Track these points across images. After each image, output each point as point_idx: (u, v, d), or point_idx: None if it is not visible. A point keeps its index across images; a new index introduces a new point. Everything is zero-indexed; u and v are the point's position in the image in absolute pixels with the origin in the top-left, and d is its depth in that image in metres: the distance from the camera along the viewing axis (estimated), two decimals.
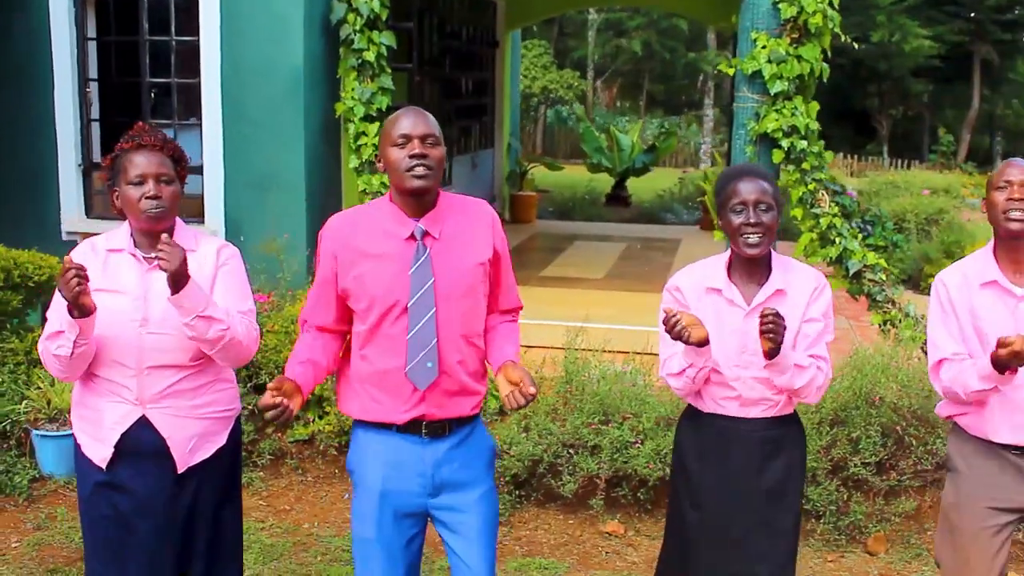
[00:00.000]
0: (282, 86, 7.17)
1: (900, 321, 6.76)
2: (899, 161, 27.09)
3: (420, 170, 2.94)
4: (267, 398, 2.82)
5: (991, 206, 3.24)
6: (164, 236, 2.93)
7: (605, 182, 17.97)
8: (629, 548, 5.06)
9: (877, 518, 5.14)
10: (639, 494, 5.24)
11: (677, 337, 2.96)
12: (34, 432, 5.58)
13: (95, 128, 7.88)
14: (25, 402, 5.68)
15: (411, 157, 2.93)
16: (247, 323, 3.17)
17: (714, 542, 3.28)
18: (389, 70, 7.35)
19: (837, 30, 7.00)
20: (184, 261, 2.92)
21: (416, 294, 2.98)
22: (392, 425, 3.06)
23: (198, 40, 7.29)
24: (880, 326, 6.89)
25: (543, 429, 5.28)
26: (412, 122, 2.97)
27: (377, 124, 7.23)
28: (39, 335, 3.76)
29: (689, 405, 3.38)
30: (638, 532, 5.21)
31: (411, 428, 3.05)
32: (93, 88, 7.78)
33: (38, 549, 4.85)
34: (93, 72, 7.77)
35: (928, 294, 3.50)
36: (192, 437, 3.18)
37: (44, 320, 3.24)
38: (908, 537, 5.14)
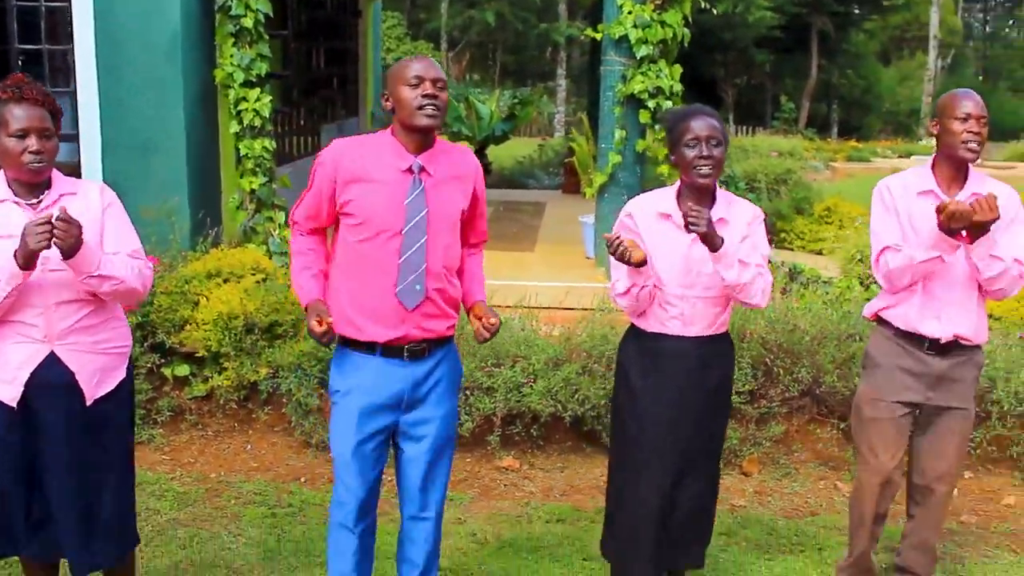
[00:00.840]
0: (159, 51, 7.17)
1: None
2: (744, 128, 28.17)
3: (430, 110, 3.22)
4: (316, 327, 3.17)
5: (947, 133, 3.67)
6: (59, 212, 3.03)
7: None
8: (525, 480, 5.38)
9: (750, 442, 5.59)
10: (532, 431, 5.57)
11: (620, 258, 3.33)
12: None
13: None
14: None
15: (423, 97, 3.20)
16: (139, 265, 3.34)
17: (656, 452, 3.66)
18: (267, 37, 7.44)
19: None
20: (80, 235, 3.06)
21: (411, 221, 3.27)
22: (376, 347, 3.33)
23: (69, 5, 7.24)
24: None
25: None
26: (425, 66, 3.25)
27: (257, 90, 7.34)
28: None
29: (632, 326, 3.74)
30: (532, 466, 5.54)
31: (394, 351, 3.34)
32: None
33: None
34: None
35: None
36: (96, 371, 3.34)
37: None
38: (778, 458, 5.61)
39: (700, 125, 3.50)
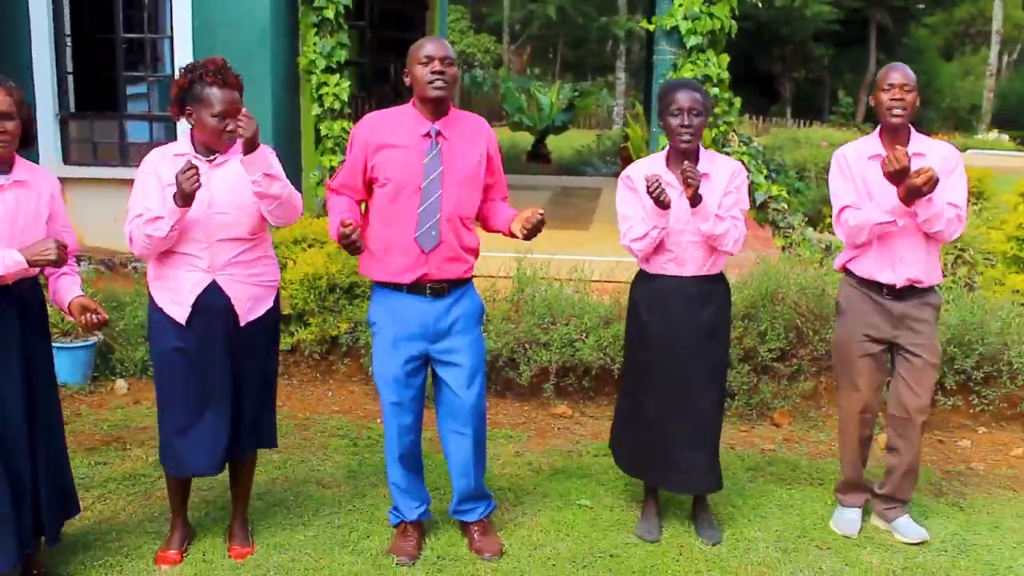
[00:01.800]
0: (250, 39, 7.91)
1: (799, 244, 7.83)
2: (801, 122, 28.46)
3: (439, 83, 3.88)
4: (345, 229, 3.76)
5: (878, 103, 4.26)
6: (244, 109, 3.73)
7: (526, 140, 18.89)
8: (577, 426, 6.02)
9: (781, 397, 6.17)
10: (584, 382, 6.20)
11: (658, 198, 3.96)
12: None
13: (70, 81, 8.52)
14: None
15: (433, 73, 3.86)
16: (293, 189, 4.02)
17: (662, 376, 4.30)
18: (346, 27, 8.14)
19: None
20: (256, 131, 3.74)
21: (428, 178, 3.94)
22: (402, 285, 4.00)
23: None
24: (783, 249, 7.95)
25: (500, 329, 6.20)
26: (435, 47, 3.91)
27: (337, 76, 8.04)
28: None
29: (640, 270, 4.37)
30: (583, 414, 6.17)
31: (417, 289, 4.01)
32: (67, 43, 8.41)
33: (72, 436, 5.60)
34: (68, 28, 8.41)
35: (825, 231, 4.54)
36: (249, 299, 4.03)
37: None
38: (806, 412, 6.18)
39: (684, 97, 4.12)
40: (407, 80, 3.98)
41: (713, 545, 4.41)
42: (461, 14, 32.02)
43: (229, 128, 3.82)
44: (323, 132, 8.08)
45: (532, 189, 13.10)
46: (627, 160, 13.60)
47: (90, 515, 4.54)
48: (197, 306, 3.94)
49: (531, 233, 3.98)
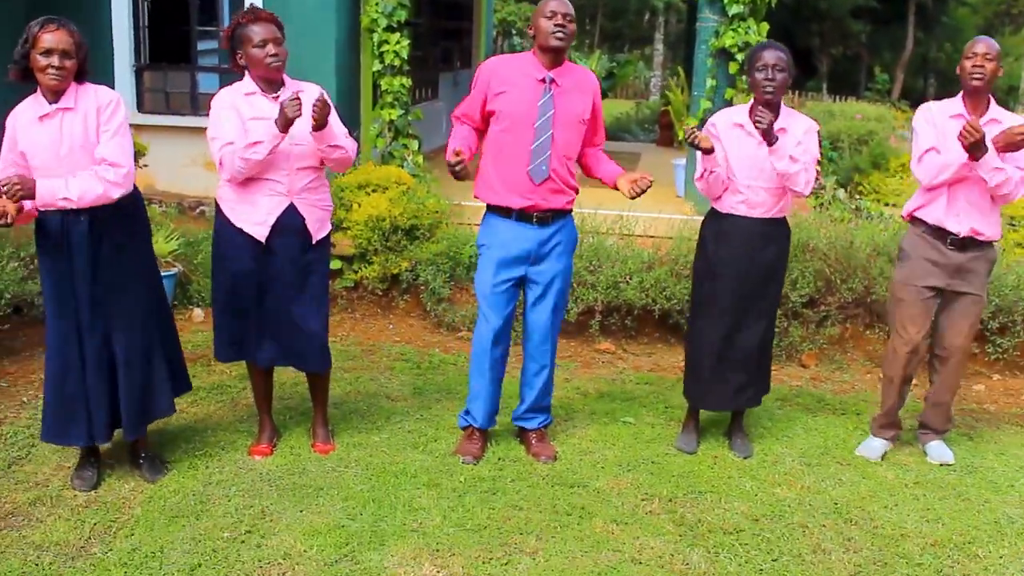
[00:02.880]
0: (317, 1, 8.40)
1: (831, 204, 8.28)
2: (837, 97, 28.65)
3: (560, 34, 4.42)
4: (451, 156, 4.31)
5: (962, 69, 4.74)
6: (319, 100, 4.21)
7: None
8: (619, 360, 6.53)
9: (809, 340, 6.65)
10: (626, 321, 6.70)
11: (693, 144, 4.48)
12: None
13: (145, 35, 9.06)
14: None
15: (556, 25, 4.41)
16: (352, 141, 4.54)
17: (725, 301, 4.81)
18: None
19: None
20: (329, 113, 4.26)
21: (541, 118, 4.46)
22: (512, 212, 4.54)
23: None
24: (815, 207, 8.39)
25: None
26: (558, 3, 4.45)
27: (397, 34, 8.53)
28: None
29: (712, 208, 4.89)
30: (625, 351, 6.69)
31: (525, 217, 4.54)
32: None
33: None
34: None
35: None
36: (317, 220, 4.56)
37: None
38: (832, 355, 6.66)
39: (769, 55, 4.59)
40: (530, 31, 4.51)
41: (744, 458, 4.92)
42: None
43: (271, 53, 4.31)
44: (383, 87, 8.56)
45: None
46: (667, 127, 14.02)
47: (186, 416, 5.10)
48: (275, 226, 4.45)
49: (637, 195, 4.51)
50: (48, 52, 4.00)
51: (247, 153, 4.30)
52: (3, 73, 4.12)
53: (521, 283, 4.70)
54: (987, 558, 4.08)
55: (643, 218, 8.31)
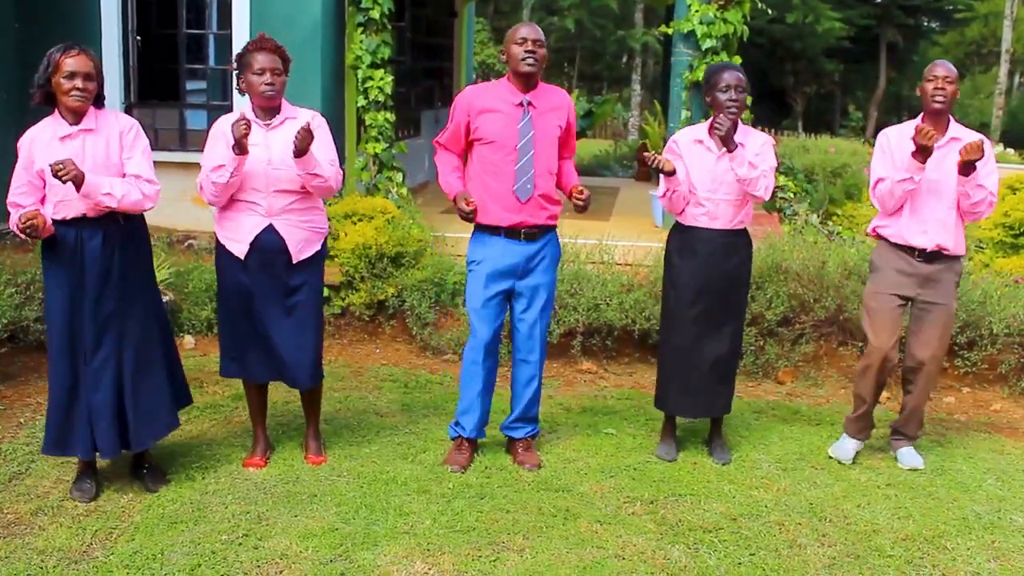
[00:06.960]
0: (303, 36, 8.64)
1: (804, 229, 8.52)
2: (813, 135, 29.11)
3: (530, 60, 4.67)
4: (465, 207, 4.64)
5: (923, 91, 4.99)
6: (303, 128, 4.39)
7: None
8: (600, 380, 6.71)
9: (785, 358, 6.85)
10: (607, 342, 6.90)
11: (656, 167, 4.67)
12: None
13: (134, 73, 9.28)
14: None
15: (526, 52, 4.66)
16: (335, 169, 4.71)
17: (692, 311, 5.02)
18: (390, 26, 8.87)
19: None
20: (310, 143, 4.45)
21: (523, 139, 4.70)
22: (501, 229, 4.75)
23: None
24: (789, 232, 8.62)
25: None
26: (528, 30, 4.71)
27: (381, 71, 8.77)
28: None
29: (676, 222, 5.10)
30: (606, 370, 6.87)
31: (514, 233, 4.76)
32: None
33: None
34: (134, 25, 9.16)
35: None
36: (300, 241, 4.73)
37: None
38: (807, 372, 6.87)
39: (730, 76, 4.83)
40: (503, 58, 4.76)
41: (723, 464, 5.10)
42: (482, 25, 32.83)
43: (267, 81, 4.52)
44: (367, 122, 8.80)
45: None
46: (644, 163, 14.29)
47: (181, 433, 5.25)
48: (255, 244, 4.64)
49: (582, 207, 4.76)
50: (72, 75, 4.22)
51: (214, 176, 4.53)
52: None
53: (509, 297, 4.90)
54: (955, 550, 4.27)
55: (619, 247, 8.53)
